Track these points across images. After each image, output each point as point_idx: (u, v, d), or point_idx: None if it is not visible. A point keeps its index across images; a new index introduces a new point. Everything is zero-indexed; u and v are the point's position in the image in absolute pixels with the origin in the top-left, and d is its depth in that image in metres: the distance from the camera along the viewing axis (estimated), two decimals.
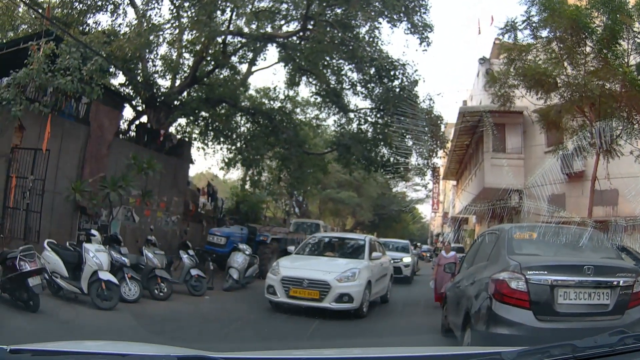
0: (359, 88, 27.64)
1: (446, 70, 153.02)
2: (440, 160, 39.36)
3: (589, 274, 7.07)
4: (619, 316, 7.04)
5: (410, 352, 3.88)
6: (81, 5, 23.96)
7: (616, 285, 7.13)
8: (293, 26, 26.69)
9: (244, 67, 30.14)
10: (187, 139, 30.10)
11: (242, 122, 31.81)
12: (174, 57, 26.67)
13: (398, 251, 28.09)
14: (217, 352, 2.56)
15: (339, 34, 23.37)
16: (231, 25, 24.69)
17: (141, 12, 23.80)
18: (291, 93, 32.79)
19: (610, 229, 11.38)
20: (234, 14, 24.04)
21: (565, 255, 7.98)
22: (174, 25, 24.42)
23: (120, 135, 24.60)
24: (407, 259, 27.04)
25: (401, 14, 23.76)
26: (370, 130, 28.32)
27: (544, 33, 18.24)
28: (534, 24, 18.09)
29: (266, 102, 32.37)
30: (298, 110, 36.69)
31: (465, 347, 7.69)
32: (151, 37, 22.60)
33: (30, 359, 2.15)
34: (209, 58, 26.01)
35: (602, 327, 5.47)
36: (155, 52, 25.76)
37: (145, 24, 22.79)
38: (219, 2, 22.56)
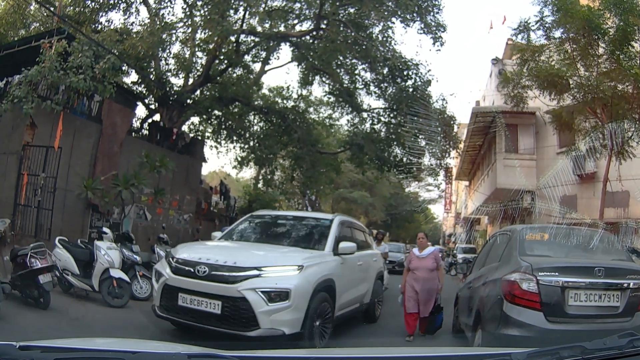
0: (372, 88, 27.68)
1: (459, 70, 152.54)
2: (452, 161, 39.37)
3: (599, 275, 7.05)
4: (629, 318, 7.00)
5: (420, 352, 3.89)
6: (93, 4, 24.13)
7: (626, 288, 7.10)
8: (306, 25, 26.73)
9: (257, 66, 30.32)
10: (199, 138, 30.21)
11: (255, 121, 32.01)
12: (186, 55, 26.77)
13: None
14: (228, 350, 2.57)
15: (352, 34, 23.34)
16: (244, 24, 24.70)
17: (154, 10, 23.98)
18: (304, 92, 33.07)
19: (620, 230, 11.35)
20: (247, 12, 24.07)
21: (576, 256, 7.96)
22: (187, 23, 24.54)
23: (133, 134, 24.74)
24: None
25: (414, 14, 23.73)
26: (383, 130, 28.35)
27: (557, 34, 18.21)
28: (547, 25, 18.05)
29: (279, 101, 32.46)
30: (311, 109, 36.76)
31: (476, 347, 7.69)
32: (164, 36, 22.69)
33: (39, 355, 2.16)
34: (221, 57, 26.06)
35: (611, 329, 5.46)
36: (168, 51, 25.92)
37: (158, 23, 22.94)
38: (232, 0, 22.62)
